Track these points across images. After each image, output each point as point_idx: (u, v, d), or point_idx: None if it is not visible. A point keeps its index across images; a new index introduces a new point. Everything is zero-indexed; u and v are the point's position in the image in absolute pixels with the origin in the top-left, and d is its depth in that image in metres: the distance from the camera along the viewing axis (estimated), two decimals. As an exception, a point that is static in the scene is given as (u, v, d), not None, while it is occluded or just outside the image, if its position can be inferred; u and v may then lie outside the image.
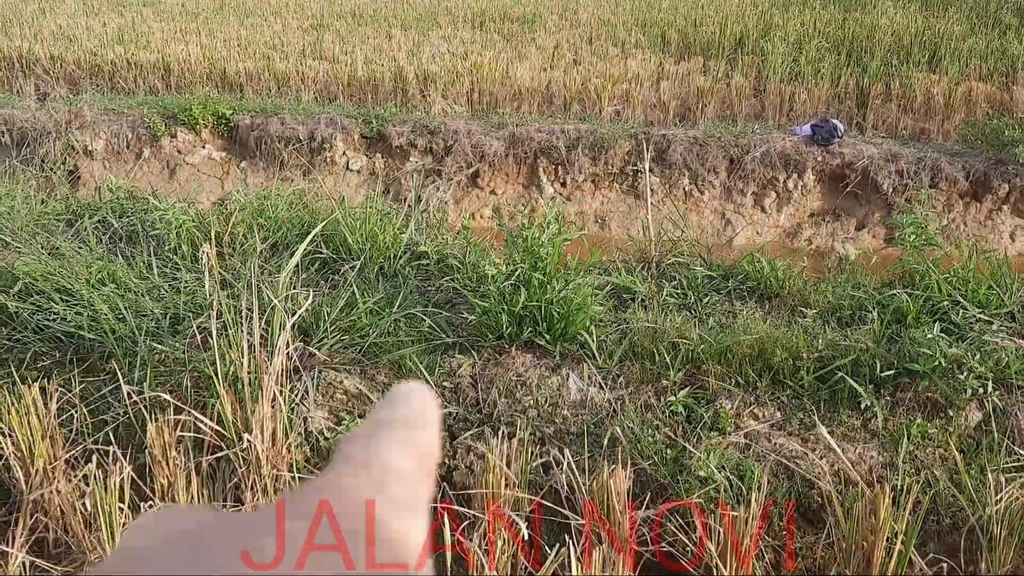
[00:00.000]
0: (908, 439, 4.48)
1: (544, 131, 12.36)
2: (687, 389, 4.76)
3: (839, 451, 4.11)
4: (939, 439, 4.50)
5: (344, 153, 12.65)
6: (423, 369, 4.76)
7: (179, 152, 12.95)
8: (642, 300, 5.62)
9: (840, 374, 4.65)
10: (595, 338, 4.89)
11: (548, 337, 4.98)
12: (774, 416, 4.72)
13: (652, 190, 11.98)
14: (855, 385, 4.59)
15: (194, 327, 4.66)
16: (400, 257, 6.13)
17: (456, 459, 4.51)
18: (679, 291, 5.77)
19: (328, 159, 12.61)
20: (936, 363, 4.50)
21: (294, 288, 5.37)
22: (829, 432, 4.55)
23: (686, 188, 12.09)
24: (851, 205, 11.98)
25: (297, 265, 6.09)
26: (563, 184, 12.37)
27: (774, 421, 4.69)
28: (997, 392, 4.61)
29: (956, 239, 11.40)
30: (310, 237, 4.83)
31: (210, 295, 4.60)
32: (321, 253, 6.03)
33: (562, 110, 14.00)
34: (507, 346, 5.00)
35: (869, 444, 4.54)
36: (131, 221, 6.55)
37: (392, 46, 16.50)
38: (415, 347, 4.95)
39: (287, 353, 4.73)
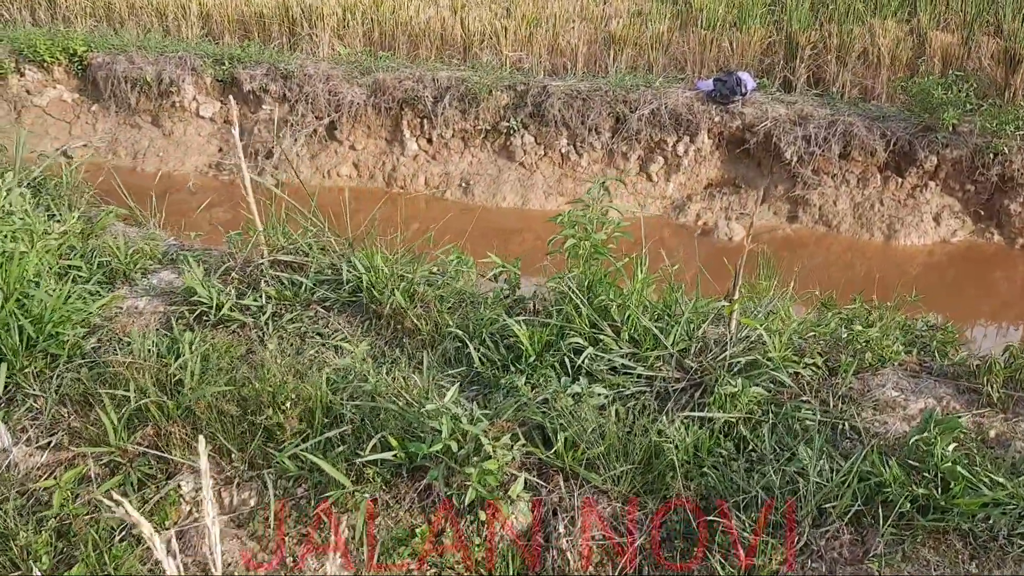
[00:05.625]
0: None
1: (411, 78, 10.87)
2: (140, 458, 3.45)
3: None
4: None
5: (194, 98, 11.39)
6: None
7: (28, 92, 11.88)
8: (220, 319, 4.26)
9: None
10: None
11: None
12: (251, 501, 3.39)
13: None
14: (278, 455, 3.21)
15: None
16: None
17: None
18: (278, 303, 4.40)
19: (177, 104, 11.37)
20: (441, 445, 3.08)
21: None
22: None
23: (563, 150, 10.50)
24: (753, 175, 10.25)
25: None
26: (429, 140, 10.90)
27: (248, 509, 3.36)
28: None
29: (868, 221, 9.68)
30: None
31: None
32: None
33: (462, 55, 12.42)
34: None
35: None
36: None
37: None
38: None
39: None
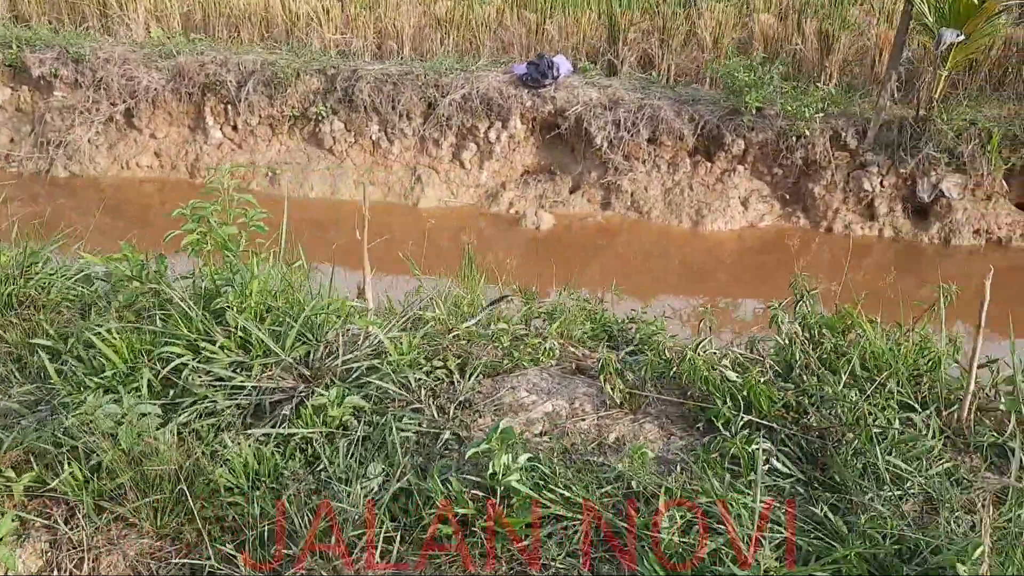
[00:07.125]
0: None
1: (214, 62, 10.25)
2: None
3: None
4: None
5: (-20, 85, 10.55)
6: None
7: None
8: None
9: None
10: None
11: None
12: None
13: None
14: None
15: None
16: None
17: None
18: None
19: (-40, 92, 10.52)
20: None
21: None
22: None
23: (374, 137, 10.04)
24: (568, 162, 9.98)
25: None
26: (234, 128, 10.31)
27: None
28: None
29: (678, 207, 9.50)
30: None
31: None
32: None
33: (285, 38, 11.82)
34: None
35: None
36: None
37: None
38: None
39: None
